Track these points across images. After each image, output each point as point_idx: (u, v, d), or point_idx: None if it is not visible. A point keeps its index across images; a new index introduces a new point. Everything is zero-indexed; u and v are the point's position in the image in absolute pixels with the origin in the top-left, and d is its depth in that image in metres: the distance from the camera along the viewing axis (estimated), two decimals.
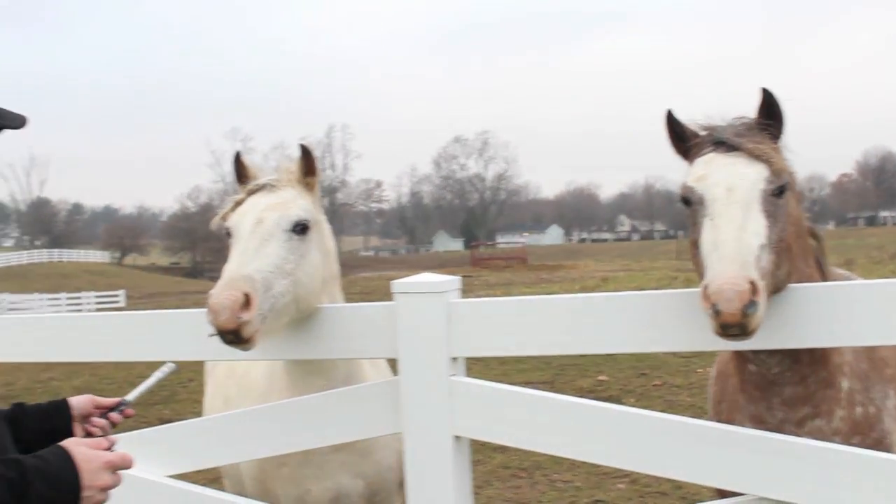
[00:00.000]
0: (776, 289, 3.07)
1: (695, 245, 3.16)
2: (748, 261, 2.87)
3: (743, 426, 3.44)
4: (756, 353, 3.32)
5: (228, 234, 3.75)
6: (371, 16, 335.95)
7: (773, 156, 3.18)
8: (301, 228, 3.74)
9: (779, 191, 3.15)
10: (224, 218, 3.85)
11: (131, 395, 3.03)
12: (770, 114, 3.27)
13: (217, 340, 3.37)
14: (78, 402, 2.98)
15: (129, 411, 3.00)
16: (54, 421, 2.89)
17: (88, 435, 2.83)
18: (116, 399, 3.02)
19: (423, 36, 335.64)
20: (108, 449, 2.50)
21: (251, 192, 3.90)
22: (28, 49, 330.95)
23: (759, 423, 3.43)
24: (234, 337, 3.33)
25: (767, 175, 3.14)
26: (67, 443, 2.41)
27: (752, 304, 2.75)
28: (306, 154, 3.93)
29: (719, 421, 3.67)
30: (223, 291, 3.33)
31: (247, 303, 3.33)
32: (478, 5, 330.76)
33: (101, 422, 2.93)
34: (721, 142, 3.27)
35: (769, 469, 3.12)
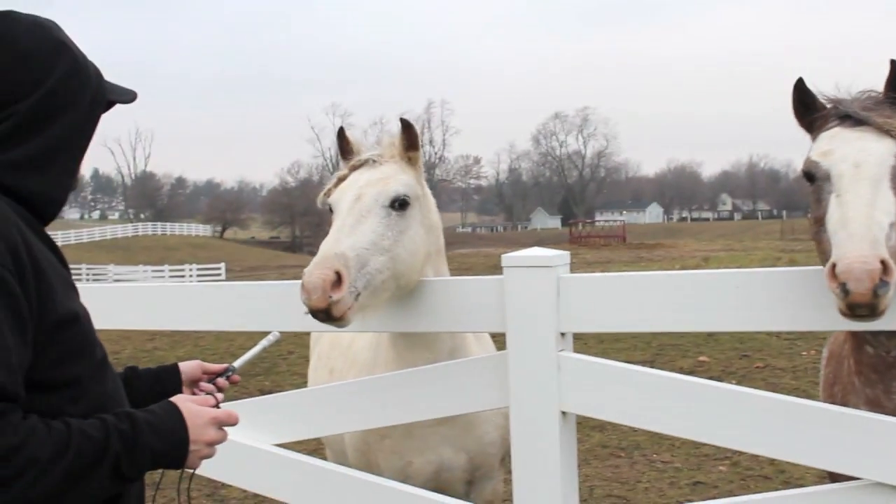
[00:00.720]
0: None
1: (818, 222, 3.07)
2: (879, 239, 2.78)
3: (858, 409, 3.36)
4: (874, 334, 3.24)
5: (331, 211, 3.78)
6: None
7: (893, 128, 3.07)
8: (400, 204, 3.73)
9: None
10: (328, 194, 3.88)
11: (238, 362, 3.10)
12: None
13: (311, 318, 3.40)
14: (187, 366, 3.05)
15: (236, 377, 3.07)
16: (165, 384, 2.96)
17: (213, 394, 2.90)
18: (224, 365, 3.08)
19: (525, 12, 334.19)
20: (215, 406, 2.58)
21: (354, 168, 3.92)
22: (138, 25, 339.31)
23: (876, 406, 3.34)
24: (325, 315, 3.35)
25: (894, 150, 3.04)
26: (176, 398, 2.48)
27: (883, 284, 2.67)
28: (407, 128, 3.91)
29: (833, 403, 3.58)
30: (315, 270, 3.35)
31: (338, 281, 3.35)
32: None
33: (209, 386, 3.00)
34: (847, 116, 3.17)
35: (885, 453, 3.05)
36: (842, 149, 3.09)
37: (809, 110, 3.32)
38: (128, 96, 2.67)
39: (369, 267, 3.51)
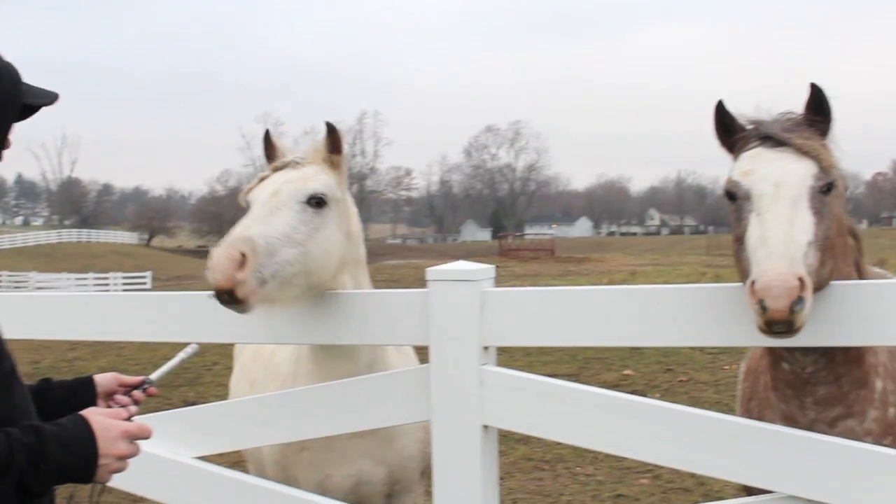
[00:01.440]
0: (819, 287, 3.03)
1: (738, 241, 3.11)
2: (796, 257, 2.83)
3: (773, 424, 3.41)
4: (790, 351, 3.29)
5: (249, 208, 3.77)
6: (406, 6, 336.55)
7: (821, 152, 3.14)
8: (317, 202, 3.73)
9: (826, 188, 3.10)
10: (248, 193, 3.87)
11: (155, 375, 3.03)
12: (818, 109, 3.22)
13: (216, 303, 3.37)
14: (103, 379, 2.99)
15: (153, 390, 3.00)
16: (79, 396, 2.89)
17: (126, 406, 2.83)
18: (140, 377, 3.02)
19: (457, 26, 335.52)
20: (127, 419, 2.52)
21: (276, 169, 3.93)
22: (65, 32, 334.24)
23: (791, 422, 3.40)
24: (229, 297, 3.33)
25: (816, 171, 3.10)
26: (86, 411, 2.43)
27: (799, 300, 2.72)
28: (332, 131, 3.93)
29: (749, 418, 3.64)
30: (221, 251, 3.35)
31: (244, 262, 3.34)
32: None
33: (125, 399, 2.92)
34: (768, 136, 3.22)
35: (799, 467, 3.10)
36: (762, 169, 3.13)
37: (730, 132, 3.36)
38: (47, 98, 2.60)
39: (279, 257, 3.50)
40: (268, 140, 4.10)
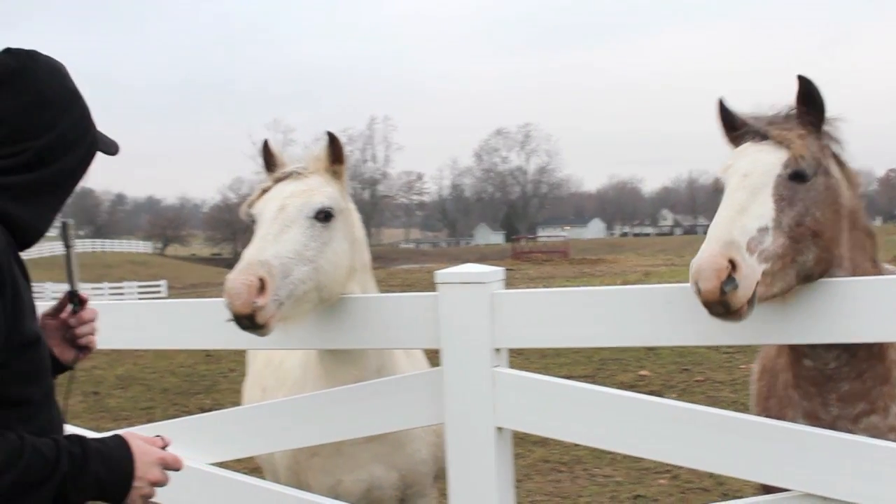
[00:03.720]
0: (806, 276, 3.08)
1: None
2: (735, 241, 2.90)
3: (795, 422, 3.39)
4: (812, 347, 3.28)
5: (254, 222, 3.75)
6: (425, 12, 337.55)
7: (793, 141, 3.16)
8: (324, 216, 3.72)
9: (797, 175, 3.12)
10: (251, 205, 3.86)
11: (75, 284, 2.92)
12: (809, 101, 3.24)
13: (234, 326, 3.37)
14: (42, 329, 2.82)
15: (83, 294, 2.95)
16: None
17: (83, 347, 2.91)
18: (65, 298, 2.94)
19: (471, 32, 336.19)
20: (162, 448, 2.62)
21: (278, 180, 3.91)
22: (82, 44, 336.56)
23: (814, 419, 3.38)
24: (248, 322, 3.33)
25: (786, 160, 3.13)
26: (126, 434, 2.55)
27: (729, 280, 2.79)
28: (333, 141, 3.90)
29: (767, 417, 3.61)
30: (238, 276, 3.34)
31: (262, 288, 3.33)
32: (524, 2, 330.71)
33: (87, 327, 2.91)
34: (756, 131, 3.28)
35: (817, 465, 3.07)
36: (738, 162, 3.21)
37: (734, 129, 3.40)
38: (113, 148, 2.82)
39: (293, 276, 3.49)
40: (266, 149, 4.08)
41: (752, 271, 2.86)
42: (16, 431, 2.28)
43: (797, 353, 3.39)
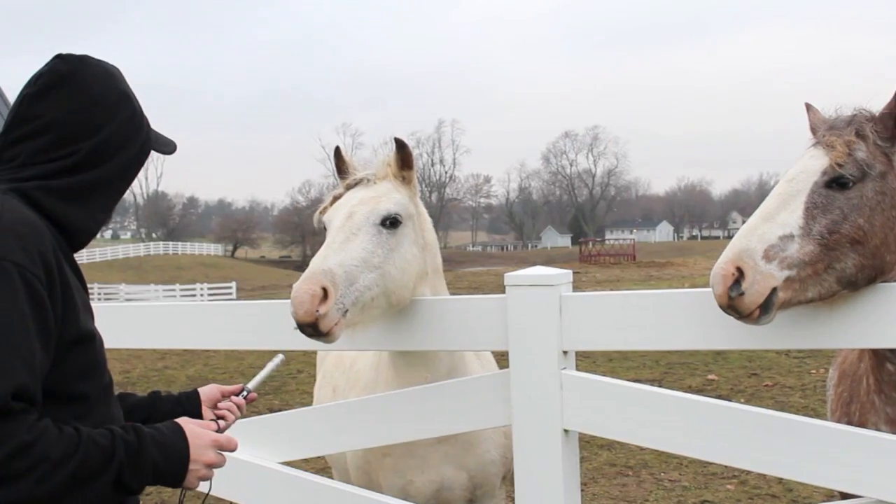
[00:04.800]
0: (849, 283, 3.07)
1: None
2: (748, 248, 2.99)
3: (878, 428, 3.37)
4: (894, 352, 3.25)
5: (325, 228, 3.81)
6: (499, 15, 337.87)
7: (836, 147, 3.15)
8: (391, 222, 3.75)
9: (834, 182, 3.10)
10: (323, 212, 3.92)
11: (251, 384, 3.19)
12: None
13: (299, 333, 3.43)
14: (206, 390, 3.20)
15: (253, 395, 3.18)
16: (185, 407, 3.09)
17: (217, 420, 3.00)
18: (239, 385, 3.19)
19: (540, 34, 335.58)
20: (217, 431, 2.69)
21: (349, 187, 3.96)
22: (165, 45, 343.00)
23: None
24: (312, 330, 3.38)
25: (825, 167, 3.13)
26: (181, 420, 2.62)
27: (735, 286, 2.92)
28: (401, 147, 3.93)
29: (849, 423, 3.58)
30: (302, 286, 3.39)
31: (325, 297, 3.38)
32: (596, 7, 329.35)
33: (228, 404, 3.10)
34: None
35: (888, 471, 3.04)
36: (792, 168, 3.24)
37: (814, 132, 3.40)
38: (169, 147, 2.89)
39: (358, 284, 3.53)
40: (338, 156, 4.14)
41: (763, 278, 2.93)
42: (73, 424, 2.35)
43: (879, 357, 3.36)
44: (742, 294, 2.92)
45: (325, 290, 3.39)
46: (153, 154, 2.82)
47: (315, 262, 3.53)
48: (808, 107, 3.46)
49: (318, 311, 3.35)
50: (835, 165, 3.12)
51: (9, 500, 2.16)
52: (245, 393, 3.16)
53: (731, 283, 2.92)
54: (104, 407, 2.59)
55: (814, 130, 3.37)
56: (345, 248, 3.60)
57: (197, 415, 3.04)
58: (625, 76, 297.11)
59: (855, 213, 3.09)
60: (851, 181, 3.11)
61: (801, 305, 3.12)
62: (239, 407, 3.11)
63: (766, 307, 2.94)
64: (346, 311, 3.48)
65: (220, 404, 3.12)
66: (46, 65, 2.62)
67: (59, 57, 2.63)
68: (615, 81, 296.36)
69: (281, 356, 3.39)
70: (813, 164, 3.17)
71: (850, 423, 3.56)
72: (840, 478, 3.14)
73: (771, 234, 3.02)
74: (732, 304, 2.93)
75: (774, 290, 2.94)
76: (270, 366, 3.30)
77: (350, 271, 3.52)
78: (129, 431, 2.43)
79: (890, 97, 3.20)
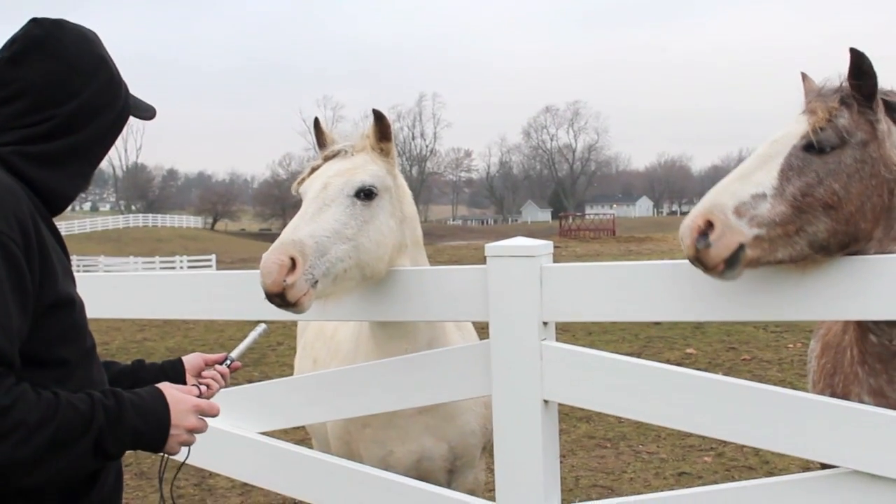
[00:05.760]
0: (820, 248, 3.09)
1: None
2: (719, 203, 3.05)
3: (861, 400, 3.38)
4: (877, 323, 3.27)
5: (302, 200, 3.81)
6: None
7: (817, 112, 3.19)
8: (366, 194, 3.74)
9: (811, 146, 3.14)
10: (300, 183, 3.91)
11: (235, 353, 3.20)
12: (859, 74, 3.21)
13: (269, 303, 3.43)
14: (189, 358, 3.21)
15: (236, 364, 3.19)
16: (169, 375, 3.09)
17: (204, 385, 3.02)
18: (223, 354, 3.20)
19: (525, 10, 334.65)
20: (198, 396, 2.70)
21: (327, 158, 3.95)
22: (151, 17, 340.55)
23: (880, 396, 3.35)
24: (280, 300, 3.38)
25: (804, 131, 3.16)
26: (161, 385, 2.61)
27: (701, 238, 3.00)
28: (379, 119, 3.91)
29: (832, 394, 3.60)
30: (271, 255, 3.38)
31: (293, 267, 3.37)
32: None
33: (212, 373, 3.10)
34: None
35: (865, 441, 3.07)
36: (778, 130, 3.29)
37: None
38: (149, 113, 2.89)
39: (330, 255, 3.52)
40: (318, 128, 4.14)
41: (731, 233, 2.99)
42: (52, 388, 2.34)
43: (863, 329, 3.37)
44: (709, 246, 2.99)
45: (293, 260, 3.37)
46: (132, 126, 2.82)
47: (285, 233, 3.52)
48: (804, 76, 3.49)
49: (285, 280, 3.33)
50: (814, 130, 3.15)
51: None
52: (228, 362, 3.16)
53: (697, 235, 3.00)
54: (85, 372, 2.57)
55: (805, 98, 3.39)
56: (316, 219, 3.59)
57: (181, 383, 3.01)
58: (606, 51, 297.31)
59: (831, 177, 3.11)
60: (829, 146, 3.14)
61: (779, 273, 3.16)
62: (223, 376, 3.10)
63: (732, 262, 3.00)
64: (316, 281, 3.47)
65: (204, 373, 3.12)
66: (21, 29, 2.59)
67: (34, 21, 2.60)
68: (596, 57, 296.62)
69: (264, 325, 3.39)
70: (796, 128, 3.21)
71: (833, 394, 3.58)
72: (814, 448, 3.17)
73: (743, 191, 3.07)
74: (699, 256, 3.01)
75: (742, 246, 2.99)
76: (253, 335, 3.32)
77: (321, 242, 3.51)
78: (108, 396, 2.42)
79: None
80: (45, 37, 2.55)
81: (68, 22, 2.64)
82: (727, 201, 3.05)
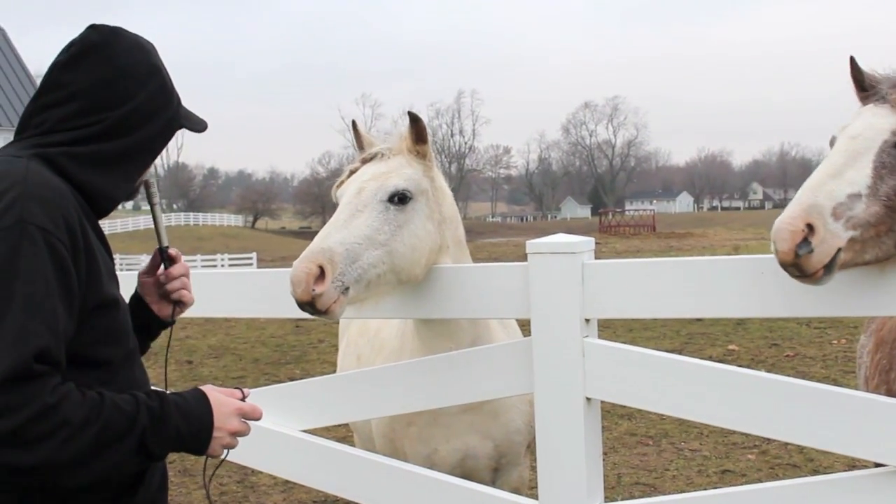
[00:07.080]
0: None
1: None
2: (819, 205, 2.84)
3: None
4: None
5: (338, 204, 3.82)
6: None
7: None
8: (400, 198, 3.73)
9: None
10: (339, 186, 3.92)
11: (164, 241, 3.01)
12: None
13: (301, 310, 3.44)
14: (140, 287, 3.06)
15: (172, 250, 3.02)
16: (135, 311, 2.94)
17: (179, 302, 3.02)
18: (156, 255, 3.01)
19: (562, 5, 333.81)
20: (242, 399, 2.68)
21: (365, 161, 3.95)
22: (193, 19, 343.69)
23: None
24: (311, 308, 3.39)
25: (895, 126, 3.02)
26: (205, 387, 2.62)
27: (804, 244, 2.77)
28: (415, 122, 3.90)
29: (888, 391, 3.54)
30: (299, 265, 3.39)
31: (322, 275, 3.38)
32: None
33: (178, 283, 3.00)
34: (880, 93, 3.16)
35: None
36: (853, 123, 3.10)
37: (864, 89, 3.28)
38: (200, 126, 2.92)
39: (362, 261, 3.52)
40: (356, 130, 4.14)
41: (832, 237, 2.80)
42: (97, 389, 2.36)
43: None
44: (811, 252, 2.79)
45: (321, 269, 3.38)
46: None
47: (316, 241, 3.53)
48: (853, 62, 3.30)
49: (314, 289, 3.34)
50: None
51: (31, 464, 2.17)
52: (165, 252, 2.99)
53: (800, 239, 2.78)
54: (128, 372, 2.60)
55: (869, 86, 3.24)
56: (348, 226, 3.59)
57: (145, 312, 2.97)
58: (645, 47, 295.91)
59: None
60: None
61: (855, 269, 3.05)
62: (174, 259, 3.00)
63: (830, 267, 2.84)
64: (347, 288, 3.47)
65: (168, 286, 3.00)
66: (79, 35, 2.64)
67: (92, 27, 2.65)
68: (635, 52, 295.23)
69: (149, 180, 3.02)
70: (880, 122, 3.05)
71: (889, 391, 3.53)
72: (861, 446, 3.12)
73: (840, 191, 2.89)
74: (797, 263, 2.80)
75: (839, 250, 2.83)
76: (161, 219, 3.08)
77: (352, 248, 3.51)
78: (152, 397, 2.44)
79: None
80: (100, 43, 2.59)
81: (125, 30, 2.69)
82: (825, 202, 2.86)
